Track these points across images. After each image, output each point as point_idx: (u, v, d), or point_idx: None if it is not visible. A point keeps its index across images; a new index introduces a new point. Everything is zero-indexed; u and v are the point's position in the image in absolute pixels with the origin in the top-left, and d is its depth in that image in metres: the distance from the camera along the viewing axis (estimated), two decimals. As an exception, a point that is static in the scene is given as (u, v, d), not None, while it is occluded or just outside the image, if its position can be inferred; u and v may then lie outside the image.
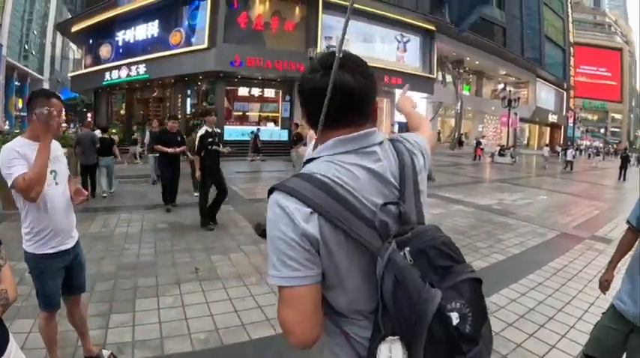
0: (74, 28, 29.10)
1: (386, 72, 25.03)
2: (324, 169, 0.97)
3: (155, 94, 26.32)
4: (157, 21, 23.96)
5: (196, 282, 4.31)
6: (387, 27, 26.20)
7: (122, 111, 28.24)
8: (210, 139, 6.56)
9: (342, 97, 0.99)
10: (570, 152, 24.52)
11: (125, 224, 6.83)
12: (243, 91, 23.23)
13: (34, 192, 2.22)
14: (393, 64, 26.06)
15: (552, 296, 4.33)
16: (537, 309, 3.98)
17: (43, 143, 2.22)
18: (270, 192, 0.97)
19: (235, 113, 23.17)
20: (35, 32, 50.52)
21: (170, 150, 7.74)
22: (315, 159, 1.03)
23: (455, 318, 0.83)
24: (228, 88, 22.39)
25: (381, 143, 1.04)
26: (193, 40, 22.09)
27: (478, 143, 28.22)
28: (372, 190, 0.98)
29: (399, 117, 27.39)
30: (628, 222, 2.32)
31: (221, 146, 6.92)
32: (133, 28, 25.18)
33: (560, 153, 33.04)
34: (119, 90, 27.73)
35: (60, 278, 2.53)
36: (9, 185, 2.21)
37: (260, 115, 23.81)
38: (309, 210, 0.91)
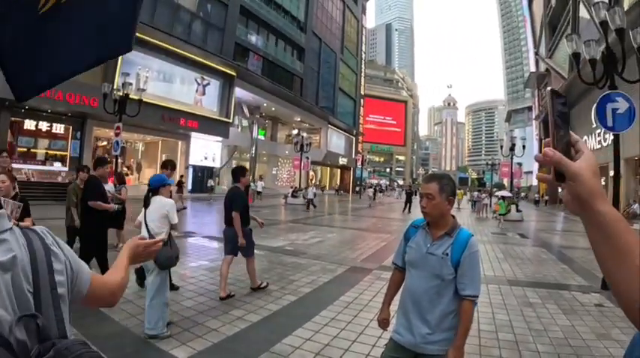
0: None
1: (182, 114, 25.81)
2: None
3: None
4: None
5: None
6: (189, 68, 26.96)
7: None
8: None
9: None
10: (311, 190, 24.66)
11: None
12: (29, 124, 20.76)
13: None
14: (190, 107, 26.80)
15: (345, 329, 4.49)
16: (332, 344, 4.09)
17: None
18: None
19: (20, 149, 20.58)
20: None
21: (112, 206, 6.21)
22: None
23: None
24: (13, 118, 19.84)
25: (10, 229, 0.87)
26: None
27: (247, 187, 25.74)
28: (4, 294, 0.78)
29: (193, 161, 28.42)
30: (394, 263, 2.50)
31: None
32: None
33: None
34: None
35: None
36: None
37: (47, 153, 21.65)
38: None
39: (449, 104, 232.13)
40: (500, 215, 18.04)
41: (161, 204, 4.36)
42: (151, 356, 3.78)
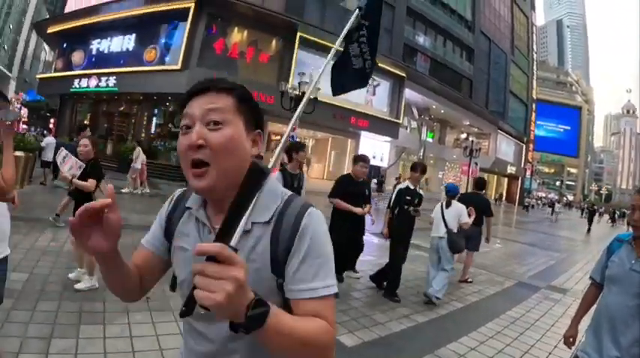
0: (50, 29, 28.49)
1: (353, 113, 25.77)
2: None
3: (122, 109, 25.96)
4: (134, 35, 23.77)
5: (146, 312, 3.93)
6: (360, 69, 26.93)
7: (86, 122, 27.71)
8: (408, 198, 5.55)
9: None
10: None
11: (77, 240, 6.38)
12: None
13: (11, 190, 2.17)
14: (361, 107, 26.69)
15: (511, 346, 4.36)
16: (497, 358, 4.03)
17: (9, 143, 2.21)
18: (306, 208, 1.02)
19: None
20: (11, 27, 48.56)
21: (359, 210, 5.56)
22: None
23: None
24: None
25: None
26: (167, 59, 21.90)
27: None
28: None
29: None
30: (591, 278, 2.41)
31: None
32: (109, 38, 24.87)
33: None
34: (86, 99, 27.19)
35: None
36: None
37: None
38: None
39: (627, 111, 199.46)
40: None
41: (457, 208, 5.65)
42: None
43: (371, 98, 27.87)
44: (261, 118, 1.08)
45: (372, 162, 28.79)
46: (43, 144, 13.28)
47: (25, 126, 34.35)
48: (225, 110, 0.99)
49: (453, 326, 4.77)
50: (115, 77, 22.98)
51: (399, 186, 5.72)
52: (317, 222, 1.00)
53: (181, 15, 21.45)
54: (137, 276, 1.11)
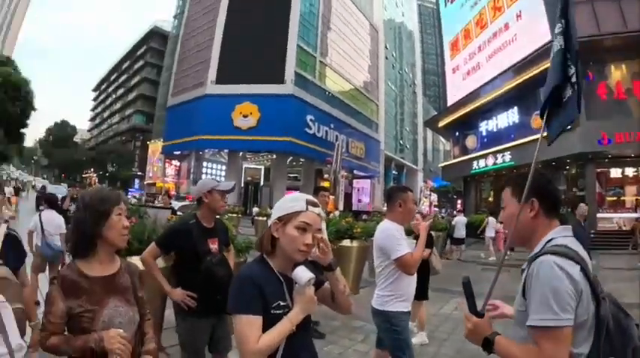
0: (440, 123, 32.86)
1: None
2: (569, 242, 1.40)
3: (518, 180, 26.43)
4: (515, 107, 24.36)
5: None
6: None
7: (490, 199, 29.48)
8: None
9: None
10: None
11: (481, 312, 6.77)
12: (615, 173, 20.16)
13: (415, 269, 3.01)
14: None
15: None
16: None
17: (424, 235, 3.19)
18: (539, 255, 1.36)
19: (609, 198, 20.12)
20: (407, 129, 60.01)
21: None
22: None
23: None
24: (598, 169, 19.95)
25: None
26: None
27: None
28: None
29: None
30: None
31: None
32: (494, 117, 26.36)
33: None
34: (486, 177, 29.16)
35: None
36: (395, 256, 2.93)
37: (637, 200, 19.87)
38: (579, 266, 1.29)
39: None
40: None
41: None
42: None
43: None
44: (536, 187, 1.51)
45: None
46: (453, 222, 15.33)
47: (435, 209, 40.25)
48: (505, 199, 1.64)
49: None
50: (508, 152, 23.77)
51: None
52: (541, 268, 1.30)
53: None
54: None
